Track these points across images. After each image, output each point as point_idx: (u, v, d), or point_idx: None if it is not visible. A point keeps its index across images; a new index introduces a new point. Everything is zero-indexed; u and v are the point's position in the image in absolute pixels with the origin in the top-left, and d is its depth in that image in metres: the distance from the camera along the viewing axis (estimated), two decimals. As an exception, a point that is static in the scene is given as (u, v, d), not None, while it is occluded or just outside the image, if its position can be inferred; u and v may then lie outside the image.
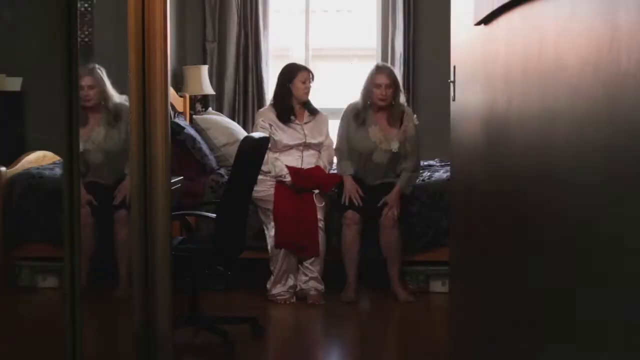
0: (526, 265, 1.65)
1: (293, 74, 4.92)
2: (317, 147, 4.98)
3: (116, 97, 4.76)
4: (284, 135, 4.89)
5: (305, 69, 4.99)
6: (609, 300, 1.17)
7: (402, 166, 4.85)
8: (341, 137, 4.95)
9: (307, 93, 4.93)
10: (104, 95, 4.72)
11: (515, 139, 1.76)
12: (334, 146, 5.00)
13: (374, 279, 5.25)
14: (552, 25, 1.45)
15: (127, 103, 4.07)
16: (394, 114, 4.88)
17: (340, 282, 4.98)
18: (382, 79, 4.83)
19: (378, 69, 4.93)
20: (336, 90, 7.24)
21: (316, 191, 4.78)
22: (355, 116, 4.89)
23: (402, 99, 5.02)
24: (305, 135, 4.93)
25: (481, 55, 2.16)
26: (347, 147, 4.91)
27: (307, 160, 4.92)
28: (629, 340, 1.08)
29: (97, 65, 4.79)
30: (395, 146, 4.83)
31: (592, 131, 1.23)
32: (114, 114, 4.73)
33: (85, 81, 4.64)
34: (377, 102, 4.83)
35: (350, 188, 4.79)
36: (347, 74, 7.43)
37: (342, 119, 4.99)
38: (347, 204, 4.76)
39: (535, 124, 1.58)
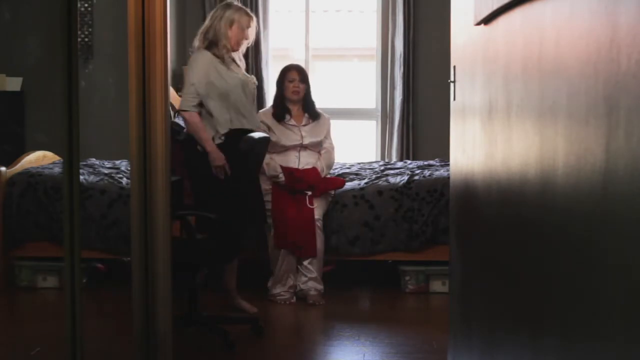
0: (526, 265, 1.65)
1: (282, 75, 4.91)
2: (316, 147, 4.94)
3: None
4: (281, 136, 4.85)
5: (292, 69, 4.92)
6: (609, 298, 1.17)
7: None
8: None
9: (296, 92, 4.86)
10: None
11: (515, 138, 1.76)
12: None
13: (374, 278, 5.25)
14: (552, 25, 1.45)
15: None
16: None
17: (340, 282, 4.98)
18: None
19: None
20: (336, 90, 7.24)
21: (309, 192, 4.75)
22: None
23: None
24: (302, 137, 4.89)
25: (481, 55, 2.16)
26: None
27: (305, 160, 4.88)
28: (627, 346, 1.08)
29: None
30: None
31: (592, 131, 1.23)
32: None
33: None
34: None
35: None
36: (347, 74, 7.43)
37: None
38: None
39: (535, 124, 1.58)
